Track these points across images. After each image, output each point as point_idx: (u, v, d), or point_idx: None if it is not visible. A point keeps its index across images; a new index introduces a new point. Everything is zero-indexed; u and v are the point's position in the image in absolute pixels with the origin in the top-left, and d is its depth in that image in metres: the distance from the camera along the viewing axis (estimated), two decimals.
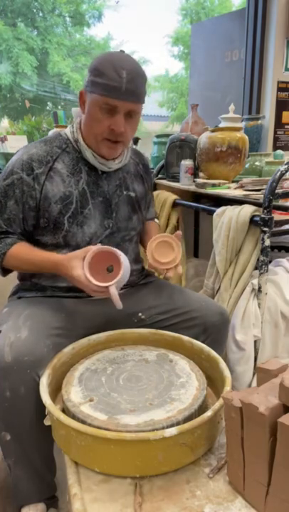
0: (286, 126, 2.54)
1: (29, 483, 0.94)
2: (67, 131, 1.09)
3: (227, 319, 1.16)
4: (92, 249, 0.91)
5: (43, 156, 1.03)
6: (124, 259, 0.92)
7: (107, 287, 0.90)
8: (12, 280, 1.16)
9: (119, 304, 0.91)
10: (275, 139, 2.53)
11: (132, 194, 1.15)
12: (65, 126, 2.00)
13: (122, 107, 0.96)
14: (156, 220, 1.37)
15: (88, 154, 1.04)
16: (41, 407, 0.80)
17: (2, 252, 1.02)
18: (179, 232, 1.06)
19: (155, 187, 1.98)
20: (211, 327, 1.09)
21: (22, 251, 1.02)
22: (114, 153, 1.05)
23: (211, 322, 1.09)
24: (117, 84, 0.93)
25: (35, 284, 1.10)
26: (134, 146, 1.27)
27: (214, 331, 1.09)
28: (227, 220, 1.34)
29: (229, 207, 1.38)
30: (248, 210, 1.30)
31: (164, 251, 1.05)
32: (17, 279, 1.17)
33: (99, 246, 0.92)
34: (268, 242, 1.25)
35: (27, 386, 0.84)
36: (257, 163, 1.96)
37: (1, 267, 1.06)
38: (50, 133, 2.01)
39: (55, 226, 1.03)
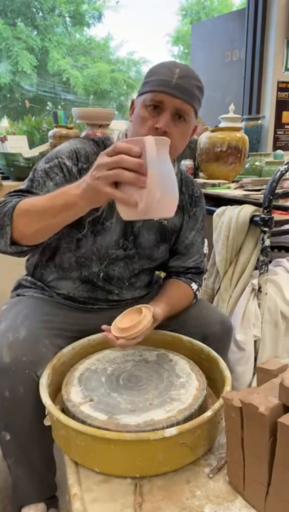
0: (286, 126, 2.54)
1: (29, 483, 0.94)
2: (115, 136, 1.03)
3: (228, 328, 1.10)
4: None
5: (90, 153, 0.97)
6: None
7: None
8: (14, 279, 1.17)
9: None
10: (275, 139, 2.53)
11: (165, 222, 1.06)
12: (66, 127, 2.01)
13: (170, 104, 0.89)
14: (194, 285, 1.09)
15: None
16: (41, 407, 0.80)
17: (17, 200, 0.85)
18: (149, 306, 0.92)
19: None
20: (211, 336, 1.04)
21: (31, 199, 0.87)
22: None
23: (211, 331, 1.05)
24: (168, 79, 0.88)
25: (35, 283, 1.10)
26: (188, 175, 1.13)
27: (215, 339, 1.04)
28: (227, 220, 1.34)
29: (229, 207, 1.38)
30: (248, 210, 1.30)
31: (134, 318, 0.89)
32: (25, 267, 1.14)
33: None
34: (268, 242, 1.25)
35: (26, 386, 0.84)
36: (257, 163, 1.96)
37: (10, 227, 0.84)
38: (50, 133, 2.01)
39: (75, 226, 0.95)
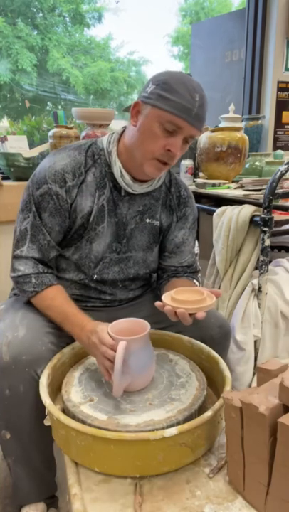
0: (286, 126, 2.54)
1: (29, 483, 0.94)
2: (104, 140, 1.01)
3: (227, 332, 1.10)
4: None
5: (77, 167, 0.97)
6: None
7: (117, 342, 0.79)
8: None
9: (117, 392, 0.79)
10: (275, 139, 2.53)
11: (157, 223, 1.07)
12: (66, 127, 2.00)
13: (186, 131, 0.89)
14: (196, 282, 1.10)
15: (116, 169, 0.97)
16: (41, 406, 0.80)
17: (36, 290, 0.96)
18: (218, 292, 0.84)
19: None
20: (209, 340, 1.03)
21: (56, 297, 0.96)
22: (159, 175, 0.97)
23: (210, 335, 1.05)
24: (190, 106, 0.86)
25: None
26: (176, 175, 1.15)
27: (213, 343, 1.02)
28: (227, 220, 1.34)
29: (229, 207, 1.39)
30: (248, 210, 1.30)
31: (190, 295, 0.83)
32: None
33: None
34: (268, 242, 1.25)
35: (26, 384, 0.85)
36: (257, 163, 1.96)
37: (27, 298, 0.98)
38: (50, 133, 2.00)
39: (71, 238, 1.00)
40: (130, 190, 1.00)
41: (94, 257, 1.01)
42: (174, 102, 0.86)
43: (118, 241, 1.03)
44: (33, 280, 0.95)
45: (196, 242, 1.15)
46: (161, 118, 0.88)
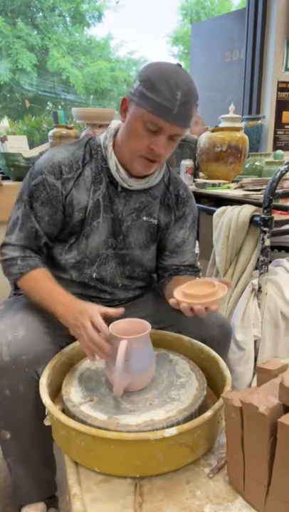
0: (286, 126, 2.54)
1: (29, 482, 0.94)
2: (102, 136, 1.03)
3: (228, 331, 1.09)
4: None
5: (74, 161, 0.99)
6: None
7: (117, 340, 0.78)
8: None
9: (117, 392, 0.79)
10: (275, 139, 2.53)
11: (154, 222, 1.07)
12: (66, 127, 2.01)
13: (168, 130, 0.89)
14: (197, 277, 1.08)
15: (111, 163, 0.98)
16: (41, 405, 0.80)
17: (21, 272, 0.96)
18: (228, 282, 0.86)
19: None
20: (209, 339, 1.03)
21: (41, 279, 0.96)
22: (148, 172, 0.98)
23: (210, 335, 1.04)
24: (170, 105, 0.86)
25: None
26: (176, 173, 1.15)
27: (213, 343, 1.02)
28: (227, 220, 1.34)
29: (229, 207, 1.39)
30: (248, 210, 1.31)
31: (201, 288, 0.85)
32: None
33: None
34: (268, 242, 1.25)
35: (26, 384, 0.85)
36: (257, 163, 1.96)
37: (13, 283, 1.01)
38: (50, 133, 2.01)
39: (69, 232, 1.01)
40: (126, 186, 1.00)
41: (90, 253, 1.02)
42: (154, 101, 0.87)
43: (114, 237, 1.03)
44: (19, 262, 0.96)
45: (196, 242, 1.14)
46: (144, 118, 0.89)
